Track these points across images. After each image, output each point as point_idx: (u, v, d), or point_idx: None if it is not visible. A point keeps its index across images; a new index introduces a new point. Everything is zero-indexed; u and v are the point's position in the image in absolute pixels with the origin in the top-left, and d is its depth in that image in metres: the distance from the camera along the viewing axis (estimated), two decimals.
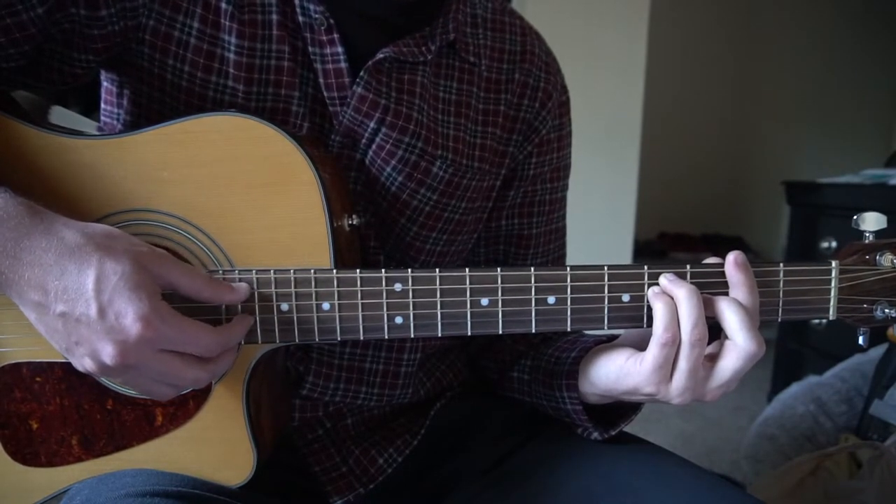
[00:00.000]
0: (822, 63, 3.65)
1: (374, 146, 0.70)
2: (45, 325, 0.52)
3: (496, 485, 0.72)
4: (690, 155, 3.59)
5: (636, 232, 2.61)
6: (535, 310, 0.60)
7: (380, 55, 0.67)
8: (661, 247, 3.56)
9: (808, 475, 1.34)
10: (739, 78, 3.63)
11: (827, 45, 3.64)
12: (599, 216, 2.47)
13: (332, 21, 0.67)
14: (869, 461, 1.31)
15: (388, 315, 0.60)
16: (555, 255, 0.85)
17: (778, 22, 3.60)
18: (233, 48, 0.66)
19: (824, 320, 2.20)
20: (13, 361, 0.62)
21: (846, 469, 1.35)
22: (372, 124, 0.69)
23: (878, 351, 1.63)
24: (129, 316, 0.50)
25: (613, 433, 0.71)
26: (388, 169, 0.71)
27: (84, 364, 0.53)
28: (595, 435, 0.71)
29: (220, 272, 0.59)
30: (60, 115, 0.71)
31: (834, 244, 2.09)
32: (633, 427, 0.73)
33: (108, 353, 0.51)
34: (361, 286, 0.59)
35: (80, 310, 0.50)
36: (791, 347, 2.33)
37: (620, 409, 0.71)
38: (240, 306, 0.59)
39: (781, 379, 2.32)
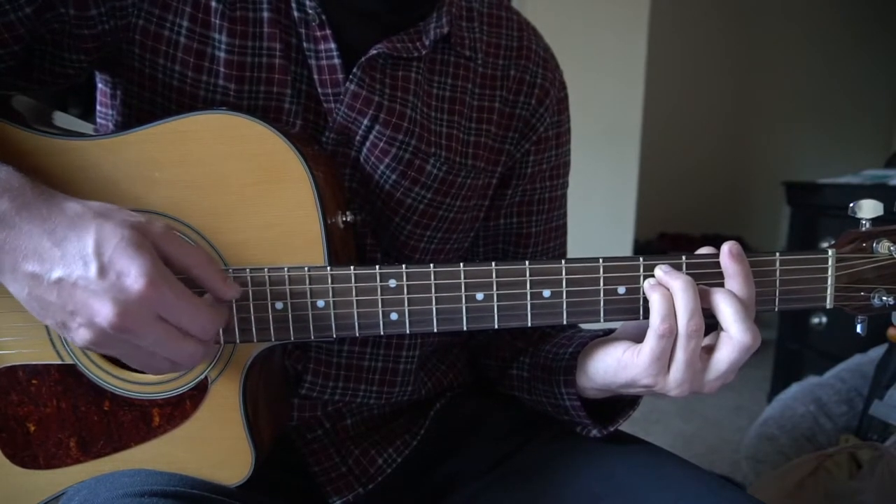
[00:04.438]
0: (822, 63, 3.64)
1: (367, 144, 0.70)
2: (39, 299, 0.50)
3: (496, 486, 0.72)
4: (690, 155, 3.59)
5: (636, 232, 2.61)
6: (531, 303, 0.60)
7: (373, 51, 0.67)
8: (661, 247, 3.56)
9: (809, 476, 1.33)
10: (739, 78, 3.62)
11: (827, 46, 3.63)
12: (599, 216, 2.46)
13: (324, 17, 0.66)
14: (869, 462, 1.31)
15: (383, 311, 0.59)
16: (555, 253, 0.84)
17: (778, 22, 3.60)
18: (223, 47, 0.66)
19: (824, 319, 2.21)
20: (9, 364, 0.62)
21: (846, 470, 1.34)
22: (365, 122, 0.69)
23: (878, 351, 1.63)
24: (131, 274, 0.48)
25: (612, 429, 0.70)
26: (382, 167, 0.70)
27: (79, 335, 0.51)
28: (594, 432, 0.71)
29: None
30: (59, 119, 0.71)
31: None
32: (633, 428, 0.72)
33: (105, 314, 0.48)
34: (356, 283, 0.59)
35: (79, 272, 0.49)
36: (791, 347, 2.33)
37: (618, 404, 0.71)
38: (234, 304, 0.58)
39: (781, 379, 2.31)
